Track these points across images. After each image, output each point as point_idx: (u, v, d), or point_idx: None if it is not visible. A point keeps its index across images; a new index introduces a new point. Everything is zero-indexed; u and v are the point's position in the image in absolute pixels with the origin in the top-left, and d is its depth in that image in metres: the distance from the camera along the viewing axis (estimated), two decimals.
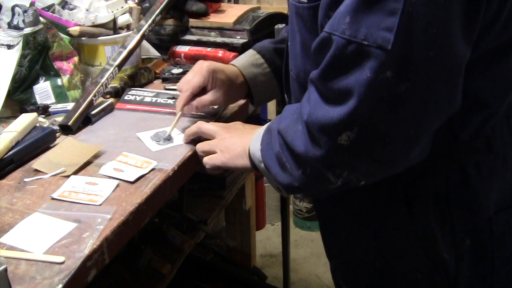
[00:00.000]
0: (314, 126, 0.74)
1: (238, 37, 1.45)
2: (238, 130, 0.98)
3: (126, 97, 1.25)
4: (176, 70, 1.35)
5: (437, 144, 0.77)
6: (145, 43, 1.45)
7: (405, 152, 0.74)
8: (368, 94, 0.67)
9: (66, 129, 1.09)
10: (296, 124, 0.79)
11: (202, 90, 1.07)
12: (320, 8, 0.75)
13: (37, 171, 0.95)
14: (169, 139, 1.05)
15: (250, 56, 1.13)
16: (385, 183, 0.82)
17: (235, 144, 0.94)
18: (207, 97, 1.05)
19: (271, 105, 2.07)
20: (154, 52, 1.50)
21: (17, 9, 1.21)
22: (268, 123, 0.91)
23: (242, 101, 1.20)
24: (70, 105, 1.17)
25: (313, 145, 0.76)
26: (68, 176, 0.93)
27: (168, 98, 1.23)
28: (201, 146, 0.99)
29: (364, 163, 0.75)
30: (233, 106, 1.20)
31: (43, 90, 1.21)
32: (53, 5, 1.32)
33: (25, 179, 0.93)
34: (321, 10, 0.75)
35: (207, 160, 0.97)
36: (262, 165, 0.87)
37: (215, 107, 1.15)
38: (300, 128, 0.78)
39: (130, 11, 1.38)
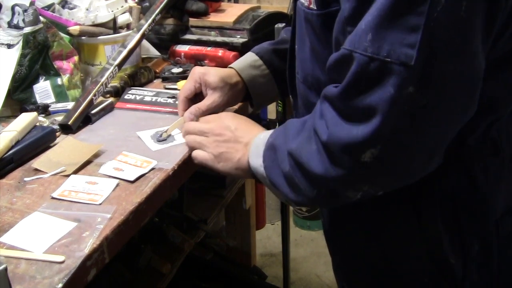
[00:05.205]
0: (335, 146, 0.73)
1: (238, 36, 1.45)
2: (228, 131, 0.94)
3: (126, 97, 1.25)
4: (176, 70, 1.35)
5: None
6: (145, 42, 1.45)
7: (425, 162, 0.74)
8: (392, 111, 0.67)
9: (66, 129, 1.09)
10: (308, 143, 0.78)
11: (200, 97, 1.07)
12: (336, 22, 0.74)
13: (37, 171, 0.95)
14: (166, 139, 1.05)
15: (248, 58, 1.13)
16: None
17: (229, 153, 0.92)
18: (204, 101, 1.05)
19: (271, 105, 2.06)
20: (154, 52, 1.50)
21: (17, 8, 1.21)
22: (268, 137, 0.88)
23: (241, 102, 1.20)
24: (70, 105, 1.17)
25: (334, 166, 0.74)
26: (68, 176, 0.93)
27: (168, 97, 1.23)
28: (192, 140, 0.98)
29: (385, 177, 0.75)
30: (232, 107, 1.19)
31: (43, 90, 1.21)
32: (53, 4, 1.32)
33: (25, 179, 0.93)
34: (337, 25, 0.74)
35: (196, 155, 0.96)
36: (268, 181, 0.86)
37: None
38: (315, 147, 0.76)
39: (130, 10, 1.38)
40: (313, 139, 0.77)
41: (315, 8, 0.79)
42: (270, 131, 0.89)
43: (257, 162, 0.87)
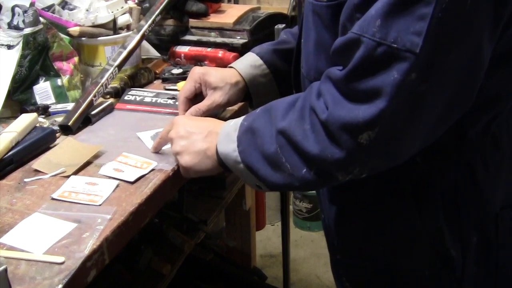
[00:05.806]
0: (335, 124, 0.74)
1: (238, 37, 1.45)
2: (183, 131, 0.93)
3: (126, 97, 1.25)
4: (176, 71, 1.35)
5: (445, 143, 0.78)
6: (145, 43, 1.45)
7: (414, 148, 0.76)
8: (396, 95, 0.69)
9: (66, 129, 1.09)
10: (300, 123, 0.78)
11: (200, 97, 1.07)
12: (345, 9, 0.75)
13: (37, 171, 0.95)
14: None
15: (248, 58, 1.13)
16: (394, 182, 0.83)
17: (192, 147, 0.91)
18: (204, 102, 1.05)
19: None
20: (154, 53, 1.50)
21: (17, 9, 1.21)
22: (240, 122, 0.87)
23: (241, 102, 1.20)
24: (70, 105, 1.17)
25: (331, 145, 0.75)
26: (68, 176, 0.93)
27: (168, 98, 1.23)
28: (174, 154, 0.95)
29: (376, 159, 0.76)
30: (233, 107, 1.19)
31: (43, 90, 1.21)
32: (53, 5, 1.32)
33: (25, 179, 0.93)
34: (345, 11, 0.75)
35: (181, 170, 0.95)
36: (242, 165, 0.85)
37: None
38: (308, 127, 0.77)
39: (130, 11, 1.39)
40: (307, 119, 0.77)
41: (324, 0, 0.80)
42: (238, 119, 0.88)
43: (228, 148, 0.86)
